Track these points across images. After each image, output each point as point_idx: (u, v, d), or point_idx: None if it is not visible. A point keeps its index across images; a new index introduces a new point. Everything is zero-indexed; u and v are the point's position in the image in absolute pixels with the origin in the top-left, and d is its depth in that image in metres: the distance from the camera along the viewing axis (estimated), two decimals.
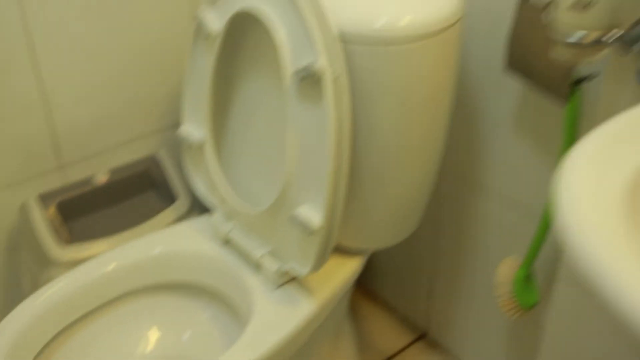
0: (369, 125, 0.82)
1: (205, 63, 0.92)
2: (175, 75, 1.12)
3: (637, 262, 0.40)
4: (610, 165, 0.47)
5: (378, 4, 0.79)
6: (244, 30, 0.87)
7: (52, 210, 1.02)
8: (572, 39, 0.67)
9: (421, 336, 1.26)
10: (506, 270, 0.96)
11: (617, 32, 0.66)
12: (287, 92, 0.80)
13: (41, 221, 0.99)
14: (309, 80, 0.77)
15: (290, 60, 0.79)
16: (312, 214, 0.81)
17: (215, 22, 0.89)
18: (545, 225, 0.86)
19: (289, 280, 0.91)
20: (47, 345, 0.88)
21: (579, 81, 0.77)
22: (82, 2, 0.98)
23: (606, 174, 0.46)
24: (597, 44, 0.67)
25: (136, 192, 1.09)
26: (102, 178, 1.06)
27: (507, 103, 0.91)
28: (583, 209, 0.43)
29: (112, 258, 0.94)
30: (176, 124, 1.13)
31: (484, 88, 0.93)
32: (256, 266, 0.92)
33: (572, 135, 0.81)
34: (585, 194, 0.44)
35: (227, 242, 0.97)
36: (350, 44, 0.78)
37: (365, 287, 1.35)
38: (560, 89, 0.79)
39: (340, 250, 0.96)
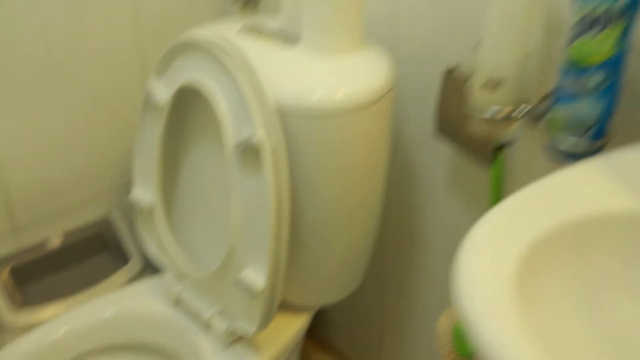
0: (308, 191, 0.87)
1: (154, 131, 0.97)
2: (128, 135, 1.15)
3: (523, 337, 0.44)
4: (505, 243, 0.52)
5: (314, 77, 0.85)
6: (189, 102, 0.92)
7: (5, 274, 1.04)
8: (487, 115, 0.73)
9: None
10: (446, 321, 1.00)
11: (525, 107, 0.73)
12: (229, 161, 0.85)
13: None
14: (249, 151, 0.82)
15: (231, 132, 0.84)
16: (256, 276, 0.85)
17: (163, 93, 0.94)
18: None
19: (238, 339, 0.94)
20: None
21: (499, 147, 0.83)
22: (33, 64, 1.01)
23: (501, 252, 0.51)
24: (509, 118, 0.73)
25: (89, 254, 1.11)
26: (55, 241, 1.09)
27: (440, 165, 0.97)
28: (478, 288, 0.48)
29: (63, 322, 0.96)
30: (130, 183, 1.16)
31: (420, 151, 0.99)
32: (206, 326, 0.95)
33: (497, 195, 0.86)
34: (481, 272, 0.49)
35: (178, 303, 1.00)
36: (288, 117, 0.83)
37: (317, 337, 1.39)
38: (483, 154, 0.85)
39: (288, 307, 1.00)
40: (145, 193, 1.01)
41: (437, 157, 0.96)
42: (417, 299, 1.12)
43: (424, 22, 0.90)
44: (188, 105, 0.93)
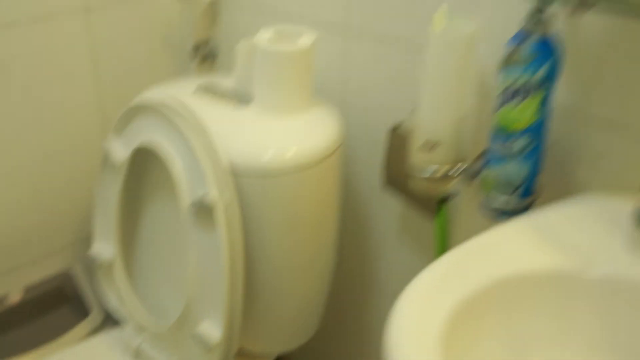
0: (262, 245, 0.90)
1: (113, 188, 0.99)
2: (88, 190, 1.17)
3: None
4: (435, 303, 0.56)
5: (265, 137, 0.89)
6: (147, 161, 0.95)
7: None
8: (426, 174, 0.78)
9: None
10: None
11: (461, 166, 0.78)
12: (185, 219, 0.88)
13: None
14: (203, 209, 0.85)
15: (186, 191, 0.87)
16: (212, 330, 0.88)
17: (120, 152, 0.97)
18: None
19: None
20: None
21: (442, 201, 0.88)
22: None
23: (430, 313, 0.55)
24: (447, 177, 0.78)
25: (50, 308, 1.12)
26: (15, 296, 1.10)
27: (391, 215, 1.01)
28: (406, 347, 0.51)
29: None
30: (90, 236, 1.18)
31: (371, 202, 1.03)
32: None
33: (442, 245, 0.91)
34: (410, 334, 0.52)
35: (137, 355, 1.01)
36: (241, 176, 0.87)
37: None
38: (427, 207, 0.89)
39: (246, 355, 1.02)
40: (105, 248, 1.03)
41: (387, 208, 1.01)
42: (376, 343, 1.15)
43: (372, 78, 0.95)
44: (145, 164, 0.96)
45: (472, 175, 0.77)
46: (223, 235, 0.84)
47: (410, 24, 0.86)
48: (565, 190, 0.74)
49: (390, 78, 0.92)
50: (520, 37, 0.65)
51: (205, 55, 1.16)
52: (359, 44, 0.94)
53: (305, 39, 0.89)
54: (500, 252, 0.62)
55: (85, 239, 1.19)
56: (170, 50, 1.20)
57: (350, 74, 0.98)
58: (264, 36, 0.89)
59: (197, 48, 1.15)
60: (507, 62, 0.66)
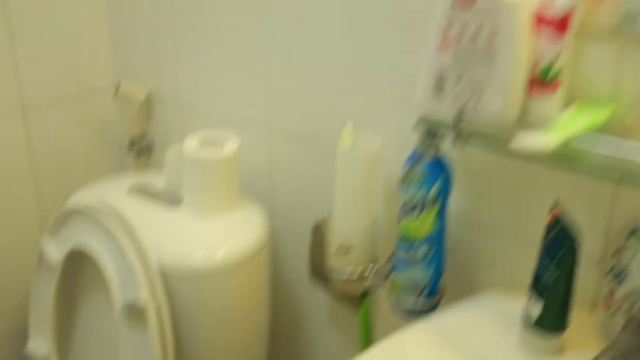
0: (194, 343, 0.94)
1: (48, 287, 1.02)
2: (26, 284, 1.19)
3: None
4: None
5: (194, 239, 0.93)
6: (81, 261, 0.98)
7: None
8: (343, 276, 0.84)
9: None
10: None
11: (374, 267, 0.84)
12: (118, 319, 0.91)
13: None
14: (135, 310, 0.89)
15: (118, 293, 0.91)
16: None
17: (55, 253, 1.00)
18: None
19: None
20: None
21: (363, 295, 0.93)
22: None
23: None
24: (362, 277, 0.84)
25: None
26: None
27: (319, 307, 1.06)
28: None
29: None
30: (26, 332, 1.19)
31: (300, 295, 1.07)
32: None
33: (366, 337, 0.96)
34: None
35: None
36: (171, 278, 0.91)
37: None
38: (350, 300, 0.95)
39: None
40: (40, 345, 1.05)
41: (316, 300, 1.05)
42: None
43: (297, 176, 1.01)
44: (80, 264, 0.99)
45: (384, 275, 0.83)
46: (155, 336, 0.87)
47: (328, 128, 0.93)
48: (467, 289, 0.80)
49: (313, 176, 0.99)
50: (415, 158, 0.73)
51: (141, 149, 1.21)
52: (283, 143, 1.01)
53: (230, 145, 0.95)
54: (405, 356, 0.68)
55: (22, 335, 1.20)
56: (108, 146, 1.25)
57: (277, 171, 1.04)
58: (191, 143, 0.95)
59: (133, 143, 1.20)
60: (405, 181, 0.73)
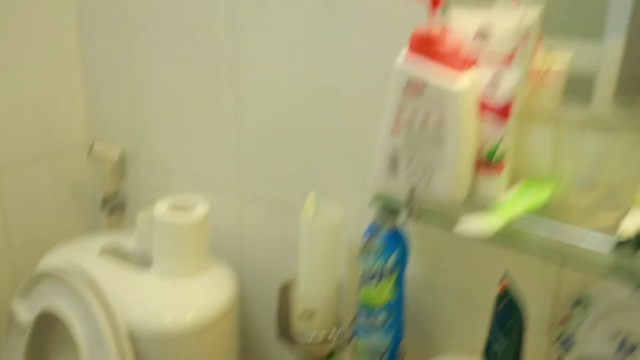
0: None
1: (17, 348, 1.03)
2: None
3: None
4: None
5: (164, 302, 0.95)
6: (51, 323, 0.99)
7: None
8: (307, 340, 0.86)
9: None
10: None
11: (337, 330, 0.86)
12: None
13: None
14: None
15: (87, 355, 0.92)
16: None
17: (25, 315, 1.01)
18: None
19: None
20: None
21: (329, 357, 0.95)
22: None
23: None
24: (326, 340, 0.86)
25: None
26: None
27: None
28: None
29: None
30: None
31: (269, 353, 1.09)
32: None
33: None
34: None
35: None
36: (140, 341, 0.92)
37: None
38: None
39: None
40: None
41: (285, 358, 1.07)
42: None
43: (266, 238, 1.04)
44: (50, 327, 1.00)
45: (349, 338, 0.86)
46: None
47: (295, 193, 0.96)
48: (426, 354, 0.83)
49: (281, 239, 1.02)
50: (373, 229, 0.76)
51: (114, 207, 1.23)
52: (253, 206, 1.04)
53: (200, 209, 0.98)
54: None
55: None
56: (81, 204, 1.27)
57: (246, 233, 1.06)
58: (162, 208, 0.97)
59: (106, 201, 1.23)
60: (364, 251, 0.76)
